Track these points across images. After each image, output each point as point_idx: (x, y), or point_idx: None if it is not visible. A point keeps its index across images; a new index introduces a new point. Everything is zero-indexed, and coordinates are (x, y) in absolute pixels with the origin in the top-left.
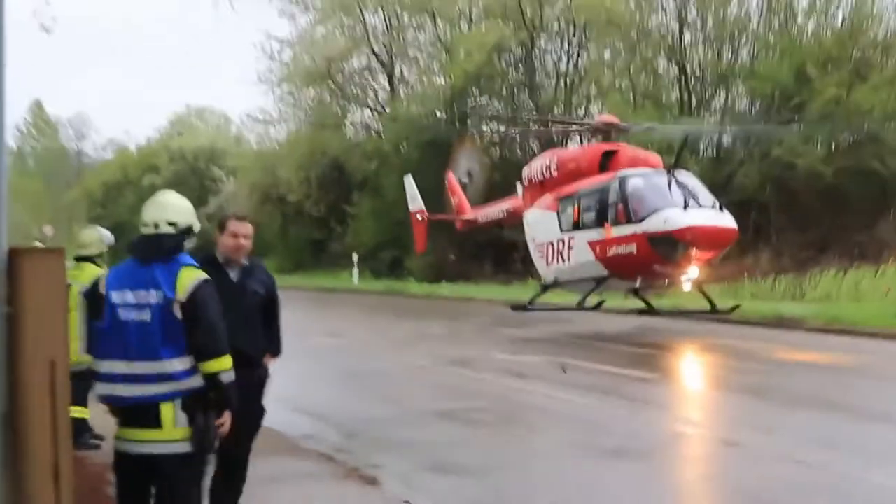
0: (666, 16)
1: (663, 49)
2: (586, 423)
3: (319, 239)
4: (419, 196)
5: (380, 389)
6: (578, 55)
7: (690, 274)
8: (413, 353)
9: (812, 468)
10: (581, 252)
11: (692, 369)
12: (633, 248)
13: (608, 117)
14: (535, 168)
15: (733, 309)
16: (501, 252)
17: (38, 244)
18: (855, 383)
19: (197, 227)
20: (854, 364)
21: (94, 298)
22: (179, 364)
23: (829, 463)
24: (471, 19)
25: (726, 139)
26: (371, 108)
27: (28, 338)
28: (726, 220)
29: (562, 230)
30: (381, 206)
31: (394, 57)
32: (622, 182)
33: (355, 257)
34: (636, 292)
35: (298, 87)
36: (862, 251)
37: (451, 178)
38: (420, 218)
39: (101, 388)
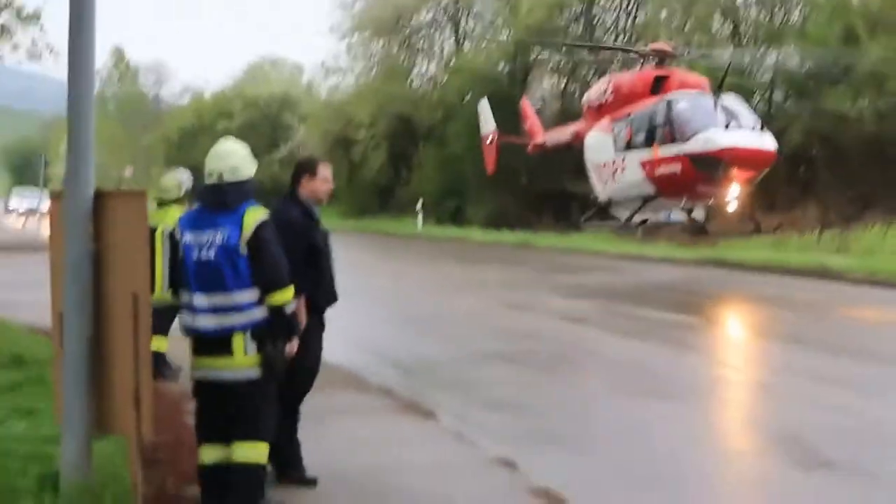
0: None
1: (717, 8)
2: (633, 366)
3: (385, 186)
4: (492, 119)
5: (438, 330)
6: (636, 13)
7: (732, 193)
8: (471, 296)
9: (849, 413)
10: (632, 172)
11: (735, 317)
12: (677, 167)
13: (661, 43)
14: (593, 93)
15: (777, 228)
16: (561, 203)
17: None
18: (890, 333)
19: (252, 171)
20: (890, 315)
21: (174, 239)
22: (246, 297)
23: (865, 408)
24: None
25: (777, 95)
26: (437, 61)
27: (113, 272)
28: (766, 142)
29: (616, 151)
30: (445, 156)
31: (460, 11)
32: (669, 104)
33: (419, 205)
34: (689, 212)
35: (368, 39)
36: None
37: (526, 104)
38: (491, 140)
39: (184, 319)
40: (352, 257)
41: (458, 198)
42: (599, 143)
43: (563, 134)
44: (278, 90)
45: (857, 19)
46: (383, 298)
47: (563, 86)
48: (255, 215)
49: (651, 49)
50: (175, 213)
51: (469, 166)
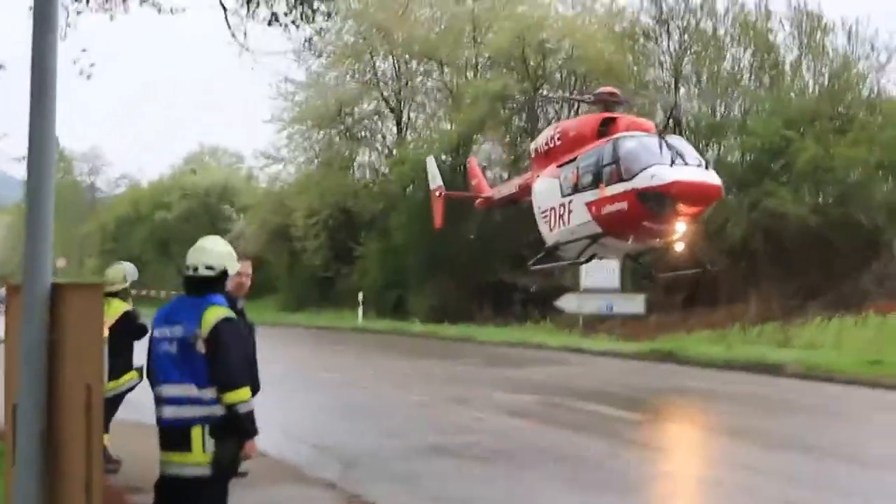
0: (662, 69)
1: (659, 101)
2: (575, 460)
3: (326, 278)
4: (439, 175)
5: (380, 423)
6: (578, 106)
7: (678, 230)
8: (413, 390)
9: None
10: (579, 214)
11: (676, 411)
12: (624, 205)
13: (608, 89)
14: (540, 140)
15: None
16: (501, 294)
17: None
18: (827, 426)
19: (234, 269)
20: (828, 408)
21: (133, 330)
22: (204, 392)
23: (803, 501)
24: (476, 68)
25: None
26: (379, 151)
27: (67, 363)
28: (711, 177)
29: (562, 195)
30: (387, 247)
31: (402, 102)
32: (615, 144)
33: (360, 297)
34: (635, 259)
35: (309, 129)
36: (846, 301)
37: (473, 163)
38: (438, 195)
39: (156, 411)
40: (292, 351)
41: (399, 289)
42: (547, 188)
43: (510, 186)
44: (217, 180)
45: (797, 115)
46: (325, 391)
47: (505, 177)
48: (215, 313)
49: (598, 94)
50: (118, 306)
51: (411, 258)
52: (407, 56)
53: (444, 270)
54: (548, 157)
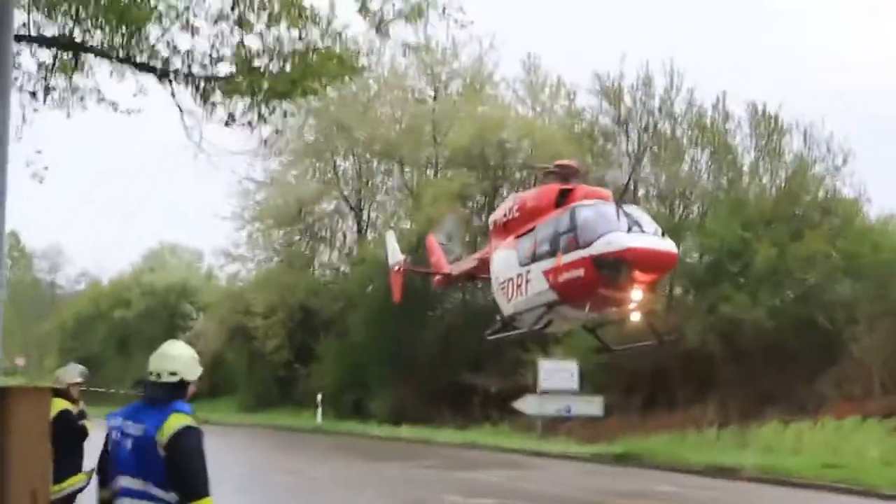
0: (621, 170)
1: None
2: None
3: (285, 377)
4: (399, 250)
5: None
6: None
7: (635, 298)
8: (369, 493)
9: None
10: (536, 282)
11: None
12: (581, 272)
13: (565, 161)
14: (499, 213)
15: (673, 337)
16: (460, 396)
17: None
18: None
19: (195, 375)
20: None
21: (71, 431)
22: (167, 495)
23: None
24: (437, 167)
25: (676, 291)
26: (339, 250)
27: (13, 469)
28: (667, 245)
29: (520, 265)
30: (346, 348)
31: (362, 201)
32: (572, 212)
33: (319, 398)
34: (592, 331)
35: (269, 227)
36: (803, 403)
37: (431, 241)
38: (398, 269)
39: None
40: (249, 452)
41: (358, 390)
42: (504, 259)
43: (469, 261)
44: (177, 278)
45: (755, 216)
46: (280, 495)
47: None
48: (177, 421)
49: (556, 165)
50: (56, 405)
51: (370, 358)
52: (368, 155)
53: (404, 371)
54: (506, 229)
